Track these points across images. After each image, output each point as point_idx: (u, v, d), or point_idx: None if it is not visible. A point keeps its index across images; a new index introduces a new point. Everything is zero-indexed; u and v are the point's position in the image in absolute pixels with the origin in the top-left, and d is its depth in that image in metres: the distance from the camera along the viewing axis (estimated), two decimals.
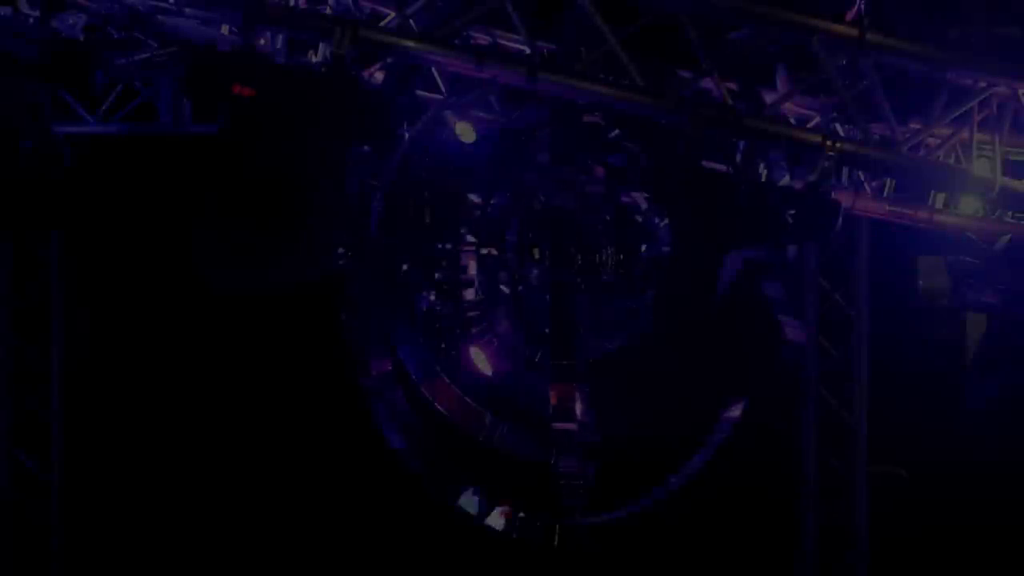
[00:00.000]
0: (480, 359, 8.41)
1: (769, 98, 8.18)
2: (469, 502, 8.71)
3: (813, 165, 7.90)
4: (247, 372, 12.01)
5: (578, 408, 8.46)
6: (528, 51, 7.88)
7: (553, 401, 8.52)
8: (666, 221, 7.92)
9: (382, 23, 7.95)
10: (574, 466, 8.51)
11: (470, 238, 8.13)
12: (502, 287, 8.30)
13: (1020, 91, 8.00)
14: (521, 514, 8.70)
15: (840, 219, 7.92)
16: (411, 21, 7.83)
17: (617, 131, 8.05)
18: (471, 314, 8.35)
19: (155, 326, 12.17)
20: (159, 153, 11.26)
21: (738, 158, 8.05)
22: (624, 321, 8.19)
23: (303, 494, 12.15)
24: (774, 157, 8.03)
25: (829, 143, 7.80)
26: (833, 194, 7.98)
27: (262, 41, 7.78)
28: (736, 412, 8.40)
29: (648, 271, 8.01)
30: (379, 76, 8.11)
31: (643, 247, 8.13)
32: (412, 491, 8.83)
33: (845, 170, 8.70)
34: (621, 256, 8.14)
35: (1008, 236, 8.78)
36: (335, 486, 11.93)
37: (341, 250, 8.01)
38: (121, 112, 11.05)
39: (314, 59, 8.12)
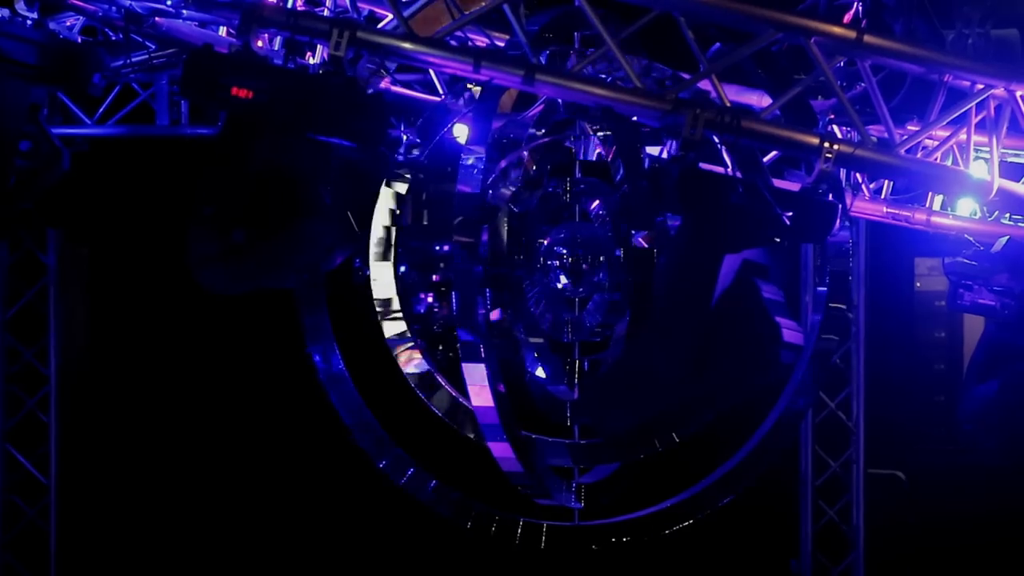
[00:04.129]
0: None
1: (766, 100, 8.20)
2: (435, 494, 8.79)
3: (811, 167, 7.89)
4: (246, 372, 12.02)
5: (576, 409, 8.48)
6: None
7: (551, 403, 8.54)
8: (663, 222, 7.91)
9: (380, 25, 7.95)
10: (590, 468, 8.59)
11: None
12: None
13: (1018, 93, 7.99)
14: (501, 515, 8.75)
15: (838, 221, 7.91)
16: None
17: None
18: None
19: (153, 326, 12.18)
20: (157, 155, 11.29)
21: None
22: (621, 323, 8.19)
23: (302, 492, 12.16)
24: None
25: (827, 145, 7.79)
26: (831, 196, 7.97)
27: (260, 43, 7.77)
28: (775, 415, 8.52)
29: (645, 272, 8.00)
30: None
31: (639, 247, 8.13)
32: (404, 494, 8.87)
33: (843, 172, 8.71)
34: (617, 256, 8.15)
35: (1005, 238, 8.79)
36: (336, 488, 11.94)
37: (337, 251, 8.01)
38: (119, 114, 11.08)
39: (312, 61, 8.12)
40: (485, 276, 7.89)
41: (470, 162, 7.79)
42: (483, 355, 7.72)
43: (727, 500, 8.69)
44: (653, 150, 8.10)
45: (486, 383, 7.74)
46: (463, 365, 7.78)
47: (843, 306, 8.60)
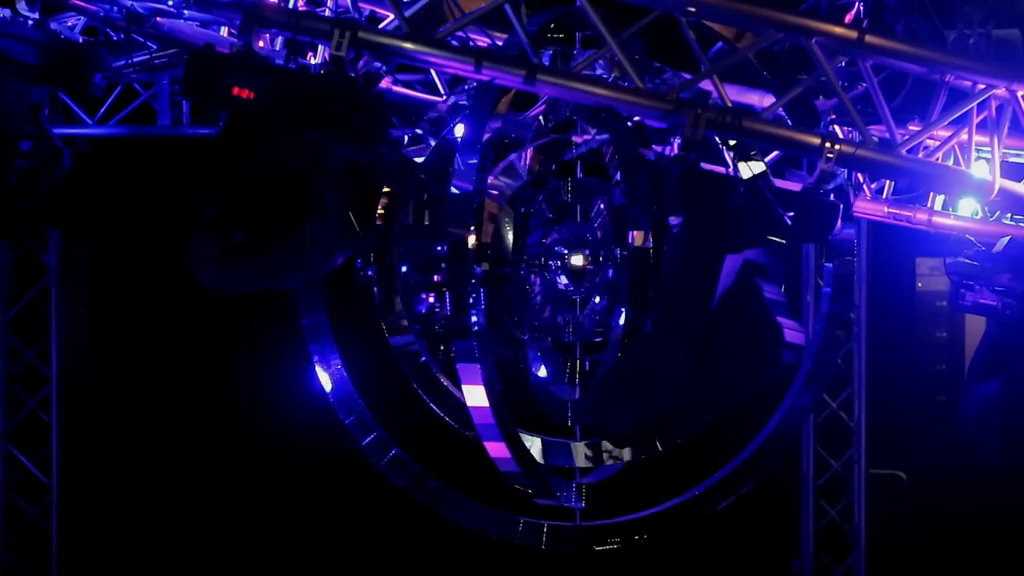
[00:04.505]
0: None
1: (767, 100, 8.20)
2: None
3: (813, 167, 7.90)
4: (247, 372, 12.03)
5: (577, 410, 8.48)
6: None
7: (553, 403, 8.54)
8: (664, 222, 7.90)
9: (381, 25, 7.95)
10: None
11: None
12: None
13: (1019, 93, 7.99)
14: (501, 515, 8.76)
15: (839, 221, 7.91)
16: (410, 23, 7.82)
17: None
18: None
19: (154, 326, 12.19)
20: (158, 155, 11.30)
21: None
22: (622, 323, 8.18)
23: (302, 492, 12.17)
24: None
25: (828, 145, 7.79)
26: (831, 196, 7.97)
27: (261, 43, 7.77)
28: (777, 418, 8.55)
29: (645, 272, 8.00)
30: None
31: (640, 247, 8.13)
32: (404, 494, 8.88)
33: (844, 172, 8.70)
34: (618, 257, 8.15)
35: (1007, 238, 8.79)
36: (336, 488, 11.94)
37: (338, 252, 8.01)
38: (120, 114, 11.09)
39: (313, 61, 8.12)
40: (487, 276, 7.90)
41: (468, 161, 7.79)
42: (478, 355, 7.72)
43: (729, 501, 8.69)
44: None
45: (481, 383, 7.74)
46: (458, 365, 7.78)
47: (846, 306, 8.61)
